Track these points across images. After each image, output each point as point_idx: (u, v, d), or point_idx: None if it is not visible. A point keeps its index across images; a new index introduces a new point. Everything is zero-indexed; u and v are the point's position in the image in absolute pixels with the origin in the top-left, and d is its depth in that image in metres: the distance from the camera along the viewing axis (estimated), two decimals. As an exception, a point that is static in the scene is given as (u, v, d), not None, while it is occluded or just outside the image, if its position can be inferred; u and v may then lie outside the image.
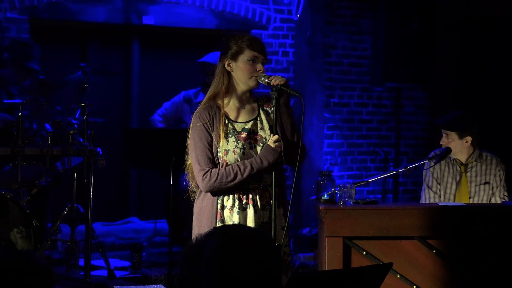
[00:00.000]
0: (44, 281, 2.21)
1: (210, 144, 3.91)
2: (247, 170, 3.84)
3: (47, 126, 6.04)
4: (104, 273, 6.23)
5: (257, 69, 3.93)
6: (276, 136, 3.87)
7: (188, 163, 4.03)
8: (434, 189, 5.38)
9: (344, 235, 4.45)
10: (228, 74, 3.98)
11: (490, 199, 5.32)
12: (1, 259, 2.21)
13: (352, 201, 4.52)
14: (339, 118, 8.35)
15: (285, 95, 3.92)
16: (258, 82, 3.95)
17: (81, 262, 6.23)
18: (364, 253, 4.46)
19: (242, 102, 4.02)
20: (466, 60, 8.63)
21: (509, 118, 8.66)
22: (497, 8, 8.28)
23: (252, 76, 3.93)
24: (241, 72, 3.94)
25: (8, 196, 5.49)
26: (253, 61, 3.93)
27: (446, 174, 5.38)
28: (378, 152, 8.44)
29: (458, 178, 5.35)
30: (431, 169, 5.37)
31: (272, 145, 3.86)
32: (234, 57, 3.95)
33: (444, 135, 5.34)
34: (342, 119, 8.37)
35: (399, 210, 4.64)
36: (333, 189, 4.65)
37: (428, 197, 5.39)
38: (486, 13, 8.41)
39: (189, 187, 4.12)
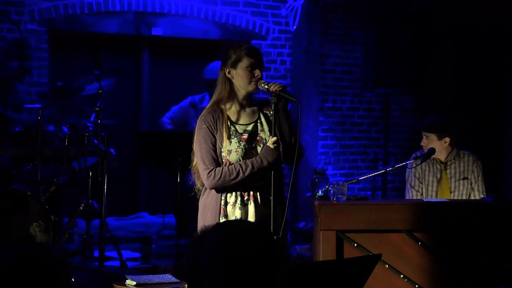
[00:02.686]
0: (61, 272, 2.22)
1: (214, 145, 3.92)
2: (249, 169, 3.85)
3: (64, 128, 6.05)
4: (117, 263, 6.24)
5: (256, 75, 3.94)
6: (275, 138, 3.87)
7: (194, 163, 4.03)
8: (416, 188, 5.38)
9: (337, 228, 4.45)
10: (229, 81, 3.98)
11: (470, 194, 5.33)
12: (22, 252, 2.22)
13: (345, 197, 4.52)
14: (332, 121, 8.36)
15: (283, 100, 3.93)
16: (257, 87, 3.96)
17: (96, 253, 6.24)
18: (355, 245, 4.46)
19: (243, 106, 4.02)
20: (452, 67, 8.65)
21: (491, 119, 8.70)
22: (485, 16, 8.30)
23: (251, 82, 3.94)
24: (240, 78, 3.95)
25: (29, 193, 5.49)
26: (251, 67, 3.93)
27: (427, 173, 5.39)
28: (368, 152, 8.44)
29: (438, 175, 5.36)
30: (413, 169, 5.38)
31: (271, 146, 3.87)
32: (234, 65, 3.95)
33: (424, 136, 5.36)
34: (335, 122, 8.37)
35: (387, 206, 4.64)
36: (327, 186, 4.66)
37: (411, 195, 5.40)
38: (474, 23, 8.43)
39: (195, 185, 4.12)
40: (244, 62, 3.93)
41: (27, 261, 2.18)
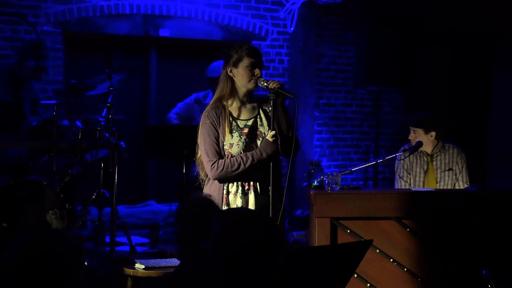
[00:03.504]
0: (75, 255, 2.22)
1: (217, 139, 3.92)
2: (249, 160, 3.85)
3: (78, 123, 6.04)
4: (126, 248, 6.24)
5: (255, 74, 3.94)
6: (273, 132, 3.88)
7: (198, 155, 4.04)
8: (405, 178, 5.39)
9: (331, 216, 4.45)
10: (231, 80, 3.98)
11: (454, 184, 5.34)
12: (39, 237, 2.22)
13: (338, 187, 4.52)
14: (327, 116, 8.36)
15: (281, 97, 3.93)
16: (257, 85, 3.96)
17: (107, 239, 6.25)
18: (348, 231, 4.46)
19: (244, 102, 4.02)
20: (439, 67, 8.66)
21: (475, 115, 8.71)
22: (470, 21, 8.31)
23: (251, 80, 3.94)
24: (241, 76, 3.94)
25: (45, 183, 5.49)
26: (251, 67, 3.93)
27: (414, 165, 5.39)
28: (360, 145, 8.44)
29: (425, 167, 5.37)
30: (402, 161, 5.39)
31: (270, 139, 3.87)
32: (235, 64, 3.95)
33: (412, 131, 5.37)
34: (330, 117, 8.37)
35: (378, 195, 4.64)
36: (322, 177, 4.65)
37: (400, 185, 5.41)
38: (459, 27, 8.44)
39: (199, 176, 4.12)
40: (245, 62, 3.93)
41: (43, 245, 2.19)
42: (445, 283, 4.55)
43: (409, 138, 5.39)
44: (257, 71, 3.94)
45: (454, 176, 5.33)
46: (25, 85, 6.19)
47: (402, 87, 8.17)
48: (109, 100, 6.22)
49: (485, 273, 3.14)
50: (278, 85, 3.87)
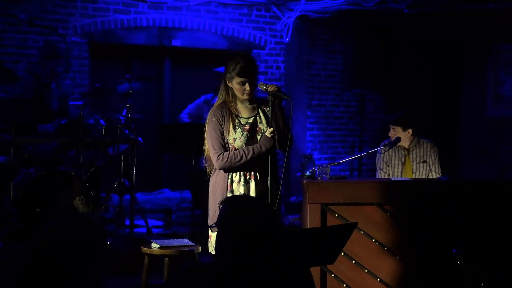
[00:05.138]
0: (99, 236, 2.23)
1: (222, 134, 3.92)
2: (250, 153, 3.85)
3: (102, 121, 6.05)
4: (144, 230, 6.25)
5: (245, 89, 3.93)
6: (271, 129, 3.88)
7: (206, 150, 4.04)
8: (384, 170, 5.39)
9: (322, 202, 4.45)
10: (230, 87, 4.00)
11: (428, 174, 5.33)
12: (68, 220, 2.23)
13: (328, 177, 4.52)
14: (318, 115, 8.36)
15: (278, 98, 3.93)
16: (249, 96, 3.95)
17: (127, 222, 6.25)
18: (336, 215, 4.46)
19: (245, 103, 4.02)
20: (415, 72, 8.66)
21: (446, 114, 8.72)
22: (441, 31, 8.32)
23: (243, 94, 3.94)
24: (235, 90, 3.96)
25: (73, 174, 5.50)
26: (242, 83, 3.93)
27: (393, 158, 5.39)
28: (347, 140, 8.45)
29: (403, 159, 5.36)
30: (382, 155, 5.39)
31: (269, 135, 3.87)
32: (230, 80, 3.96)
33: (391, 128, 5.36)
34: (320, 116, 8.37)
35: (362, 183, 4.64)
36: (313, 168, 4.65)
37: (380, 176, 5.41)
38: (430, 37, 8.45)
39: (206, 168, 4.12)
40: (236, 80, 3.93)
41: (72, 227, 2.20)
42: (419, 260, 4.56)
43: (389, 134, 5.39)
44: (247, 87, 3.93)
45: (428, 168, 5.33)
46: (51, 84, 6.16)
47: (383, 90, 8.18)
48: (128, 101, 6.22)
49: (455, 251, 3.14)
50: (276, 88, 3.87)
